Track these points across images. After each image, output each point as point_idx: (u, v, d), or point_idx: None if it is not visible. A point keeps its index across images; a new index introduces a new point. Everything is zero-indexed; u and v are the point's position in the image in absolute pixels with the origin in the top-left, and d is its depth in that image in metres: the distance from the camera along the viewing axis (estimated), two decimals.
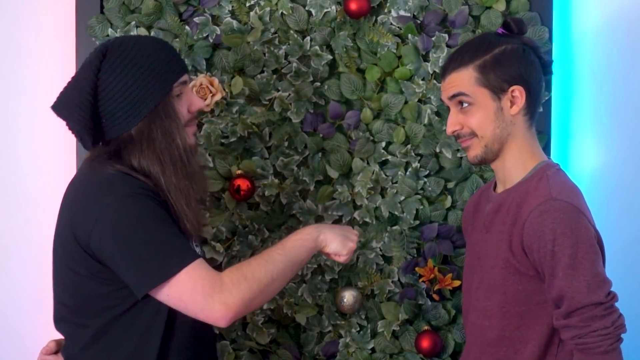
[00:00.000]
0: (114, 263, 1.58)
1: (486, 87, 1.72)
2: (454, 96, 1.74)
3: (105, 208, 1.57)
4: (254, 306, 1.61)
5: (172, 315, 1.65)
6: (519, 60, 1.73)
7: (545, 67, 1.79)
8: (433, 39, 2.25)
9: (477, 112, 1.73)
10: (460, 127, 1.76)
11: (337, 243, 1.75)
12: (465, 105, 1.74)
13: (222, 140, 2.24)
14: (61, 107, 1.66)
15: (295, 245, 1.70)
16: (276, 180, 2.26)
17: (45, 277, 1.85)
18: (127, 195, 1.58)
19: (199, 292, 1.55)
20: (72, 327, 1.69)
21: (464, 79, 1.73)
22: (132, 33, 2.21)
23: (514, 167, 1.77)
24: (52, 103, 1.69)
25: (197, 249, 1.75)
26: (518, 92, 1.73)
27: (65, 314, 1.70)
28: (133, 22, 2.22)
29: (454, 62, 1.75)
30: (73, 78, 1.69)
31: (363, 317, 2.30)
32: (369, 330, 2.30)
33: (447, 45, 2.25)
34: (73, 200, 1.67)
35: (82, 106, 1.62)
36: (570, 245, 1.61)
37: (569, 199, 1.66)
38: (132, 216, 1.57)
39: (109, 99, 1.64)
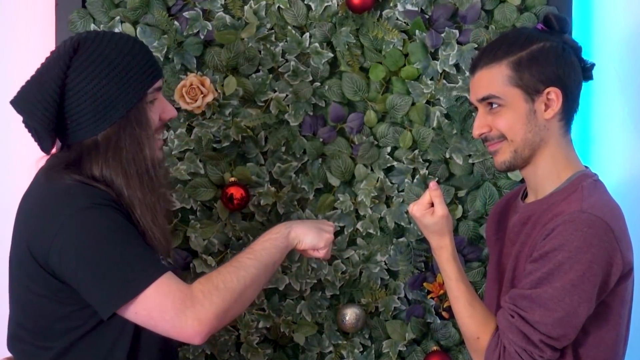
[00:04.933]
0: (76, 281, 1.53)
1: (519, 86, 1.65)
2: (483, 99, 1.68)
3: (64, 222, 1.53)
4: (229, 318, 1.59)
5: (138, 332, 1.62)
6: (557, 59, 1.65)
7: (586, 71, 1.72)
8: (442, 35, 2.22)
9: (507, 114, 1.66)
10: (488, 129, 1.69)
11: (312, 236, 1.72)
12: (494, 106, 1.68)
13: (214, 145, 2.21)
14: (22, 101, 1.60)
15: (265, 247, 1.67)
16: (272, 189, 2.22)
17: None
18: (87, 207, 1.54)
19: (168, 308, 1.51)
20: (31, 348, 1.65)
21: (496, 77, 1.66)
22: (116, 29, 2.18)
23: (547, 177, 1.70)
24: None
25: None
26: (554, 95, 1.66)
27: (22, 335, 1.65)
28: (117, 17, 2.19)
29: (485, 57, 1.68)
30: (38, 71, 1.63)
31: (367, 336, 2.26)
32: (373, 351, 2.26)
33: (458, 42, 2.22)
34: (28, 214, 1.62)
35: (45, 104, 1.56)
36: (578, 261, 1.53)
37: (602, 213, 1.57)
38: (93, 229, 1.53)
39: (77, 99, 1.58)
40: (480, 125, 1.69)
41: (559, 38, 1.69)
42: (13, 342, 1.67)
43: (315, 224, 1.76)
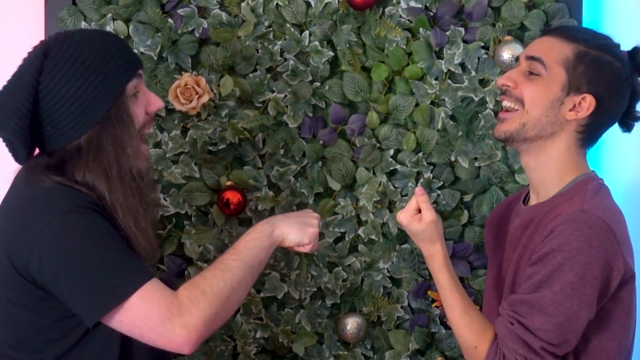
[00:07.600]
0: (58, 288, 1.50)
1: (567, 72, 1.64)
2: (532, 58, 1.67)
3: (44, 226, 1.50)
4: (218, 324, 1.56)
5: (127, 343, 1.59)
6: (614, 82, 1.65)
7: (628, 117, 1.71)
8: (447, 33, 2.19)
9: (539, 87, 1.65)
10: (514, 85, 1.67)
11: (295, 233, 1.72)
12: (534, 74, 1.67)
13: (210, 148, 2.19)
14: None
15: (249, 247, 1.65)
16: (270, 193, 2.20)
17: None
18: (68, 210, 1.51)
19: (154, 317, 1.49)
20: None
21: (556, 49, 1.66)
22: (108, 27, 2.15)
23: (551, 179, 1.69)
24: None
25: None
26: (588, 103, 1.64)
27: (4, 350, 1.61)
28: (109, 15, 2.16)
29: (559, 30, 1.70)
30: (9, 81, 1.60)
31: (369, 346, 2.24)
32: None
33: (464, 41, 2.20)
34: (7, 220, 1.59)
35: (18, 114, 1.53)
36: (577, 262, 1.52)
37: (603, 215, 1.56)
38: (75, 233, 1.50)
39: (54, 105, 1.55)
40: (510, 77, 1.68)
41: (633, 72, 1.67)
42: None
43: (300, 217, 1.75)
